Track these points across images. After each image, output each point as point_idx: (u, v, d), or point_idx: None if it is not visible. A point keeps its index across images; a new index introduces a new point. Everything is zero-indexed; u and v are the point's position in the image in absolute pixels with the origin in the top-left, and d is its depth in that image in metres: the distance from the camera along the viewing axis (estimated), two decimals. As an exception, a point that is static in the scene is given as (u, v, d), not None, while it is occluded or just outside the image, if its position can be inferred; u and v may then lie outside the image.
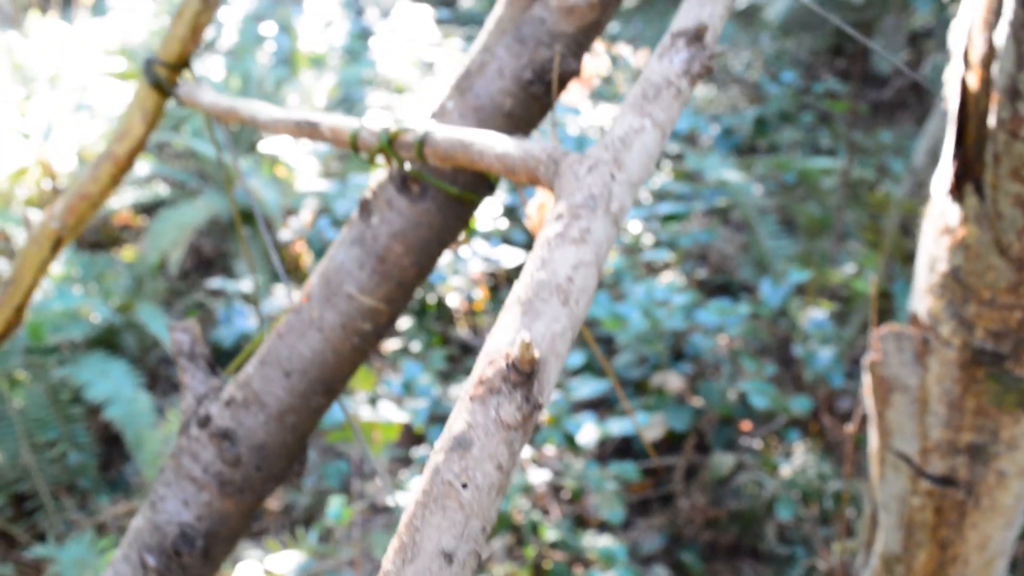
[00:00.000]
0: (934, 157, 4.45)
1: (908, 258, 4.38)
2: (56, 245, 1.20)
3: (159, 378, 3.99)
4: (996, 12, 1.28)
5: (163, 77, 1.09)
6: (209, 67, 5.74)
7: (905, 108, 5.68)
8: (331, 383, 0.94)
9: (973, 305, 1.49)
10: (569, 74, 0.85)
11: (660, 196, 4.51)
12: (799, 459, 3.36)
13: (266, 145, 4.59)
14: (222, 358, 4.28)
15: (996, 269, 1.42)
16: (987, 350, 1.51)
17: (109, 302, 3.96)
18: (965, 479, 1.64)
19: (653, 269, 4.54)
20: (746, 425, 3.54)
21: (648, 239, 4.30)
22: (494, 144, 0.68)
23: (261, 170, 4.80)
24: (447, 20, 7.42)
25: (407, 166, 0.85)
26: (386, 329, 0.91)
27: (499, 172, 0.67)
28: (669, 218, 4.29)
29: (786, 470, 3.26)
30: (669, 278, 4.33)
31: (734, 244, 4.83)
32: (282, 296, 4.34)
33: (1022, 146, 1.27)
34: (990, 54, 1.30)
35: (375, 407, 2.85)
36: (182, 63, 1.10)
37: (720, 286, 4.58)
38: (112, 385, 3.47)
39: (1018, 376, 1.52)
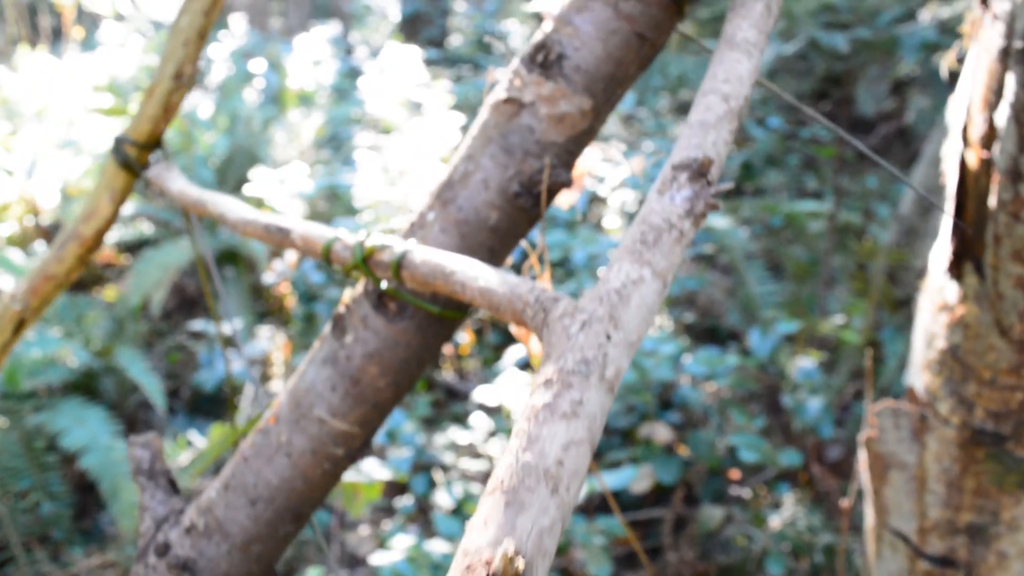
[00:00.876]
0: (920, 204, 4.45)
1: (896, 305, 4.36)
2: (19, 327, 1.14)
3: (138, 424, 3.90)
4: (997, 92, 1.25)
5: (133, 157, 1.04)
6: (197, 104, 5.70)
7: (891, 154, 5.69)
8: (300, 510, 0.87)
9: (973, 384, 1.45)
10: (559, 186, 0.79)
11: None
12: (788, 510, 3.31)
13: (251, 187, 4.54)
14: (203, 403, 4.20)
15: (997, 350, 1.38)
16: (987, 430, 1.46)
17: (88, 346, 3.87)
18: (965, 560, 1.58)
19: (641, 314, 4.50)
20: (734, 474, 3.49)
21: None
22: (477, 276, 0.62)
23: (246, 211, 4.75)
24: (436, 60, 7.42)
25: (383, 283, 0.79)
26: (360, 452, 0.85)
27: (481, 307, 0.62)
28: (657, 264, 4.25)
29: (775, 522, 3.20)
30: (656, 323, 4.29)
31: (721, 288, 4.80)
32: (264, 339, 4.28)
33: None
34: (991, 134, 1.27)
35: (357, 464, 2.78)
36: (153, 143, 1.05)
37: (708, 330, 4.54)
38: (88, 433, 3.39)
39: (1019, 457, 1.47)
